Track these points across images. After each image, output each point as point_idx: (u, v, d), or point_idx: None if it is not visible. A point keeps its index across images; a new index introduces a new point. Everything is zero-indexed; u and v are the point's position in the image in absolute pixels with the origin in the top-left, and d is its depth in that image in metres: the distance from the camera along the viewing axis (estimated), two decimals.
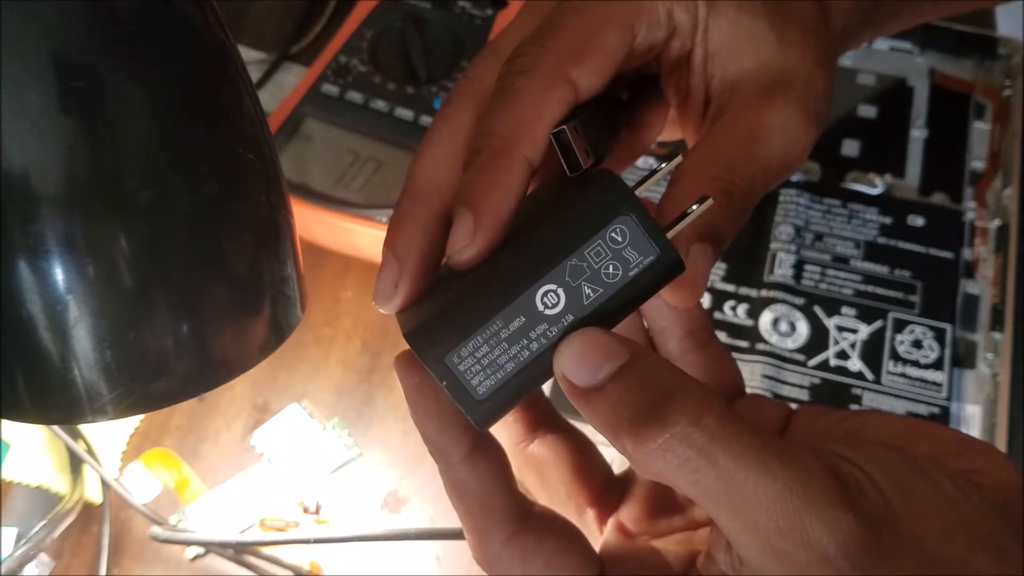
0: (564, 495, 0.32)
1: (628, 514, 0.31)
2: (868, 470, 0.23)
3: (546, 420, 0.32)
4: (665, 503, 0.31)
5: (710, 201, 0.26)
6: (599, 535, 0.31)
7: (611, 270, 0.25)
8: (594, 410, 0.24)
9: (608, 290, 0.25)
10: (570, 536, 0.28)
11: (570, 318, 0.25)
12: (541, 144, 0.27)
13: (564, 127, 0.27)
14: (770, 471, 0.22)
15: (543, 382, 0.26)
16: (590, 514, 0.32)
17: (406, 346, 0.26)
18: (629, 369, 0.24)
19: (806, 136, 0.31)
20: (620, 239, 0.25)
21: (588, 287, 0.25)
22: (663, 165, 0.28)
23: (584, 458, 0.32)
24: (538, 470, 0.32)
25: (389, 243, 0.29)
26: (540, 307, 0.25)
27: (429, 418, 0.26)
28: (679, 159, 0.28)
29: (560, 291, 0.25)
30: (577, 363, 0.24)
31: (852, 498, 0.22)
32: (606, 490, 0.32)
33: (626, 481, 0.32)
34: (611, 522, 0.31)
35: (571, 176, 0.27)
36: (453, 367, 0.25)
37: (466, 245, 0.26)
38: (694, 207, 0.26)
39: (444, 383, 0.25)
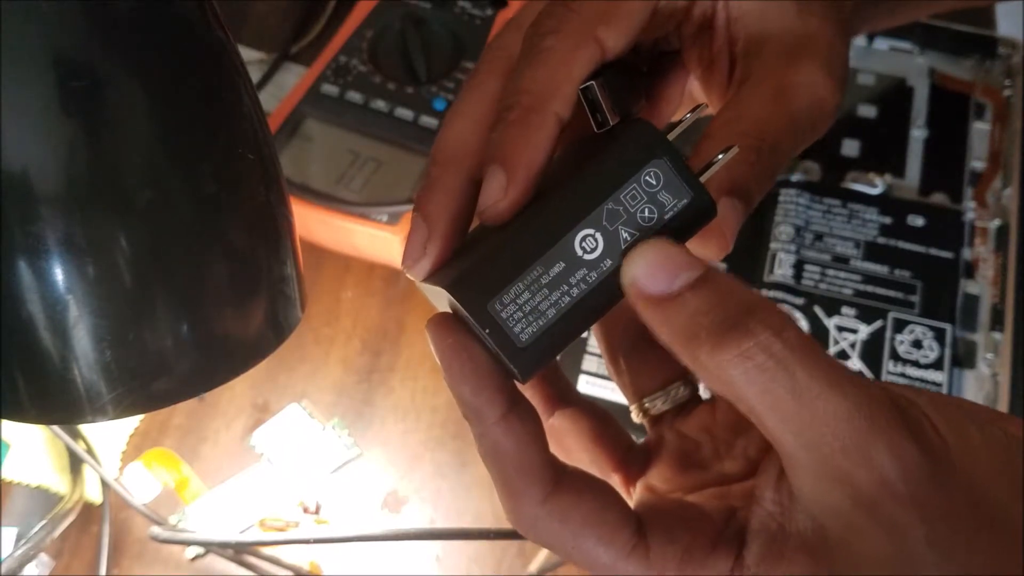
0: (587, 462, 0.32)
1: (657, 474, 0.31)
2: (925, 409, 0.23)
3: (563, 395, 0.33)
4: (694, 460, 0.31)
5: (735, 148, 0.27)
6: (629, 498, 0.31)
7: (647, 213, 0.25)
8: (667, 318, 0.24)
9: (644, 234, 0.25)
10: (605, 492, 0.28)
11: (608, 263, 0.25)
12: (571, 101, 0.28)
13: (592, 83, 0.28)
14: (841, 390, 0.22)
15: (584, 329, 0.26)
16: (615, 479, 0.32)
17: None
18: (708, 280, 0.24)
19: (832, 97, 0.31)
20: (655, 182, 0.25)
21: (625, 231, 0.25)
22: (688, 116, 0.28)
23: (604, 426, 0.32)
24: (559, 441, 0.32)
25: (418, 207, 0.29)
26: (579, 252, 0.25)
27: (464, 379, 0.26)
28: (703, 107, 0.28)
29: (598, 235, 0.25)
30: (652, 270, 0.24)
31: (913, 428, 0.22)
32: (628, 456, 0.32)
33: (648, 449, 0.33)
34: (640, 484, 0.31)
35: (598, 132, 0.27)
36: (496, 314, 0.25)
37: (498, 200, 0.26)
38: (720, 156, 0.27)
39: (487, 331, 0.25)
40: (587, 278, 0.25)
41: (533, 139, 0.27)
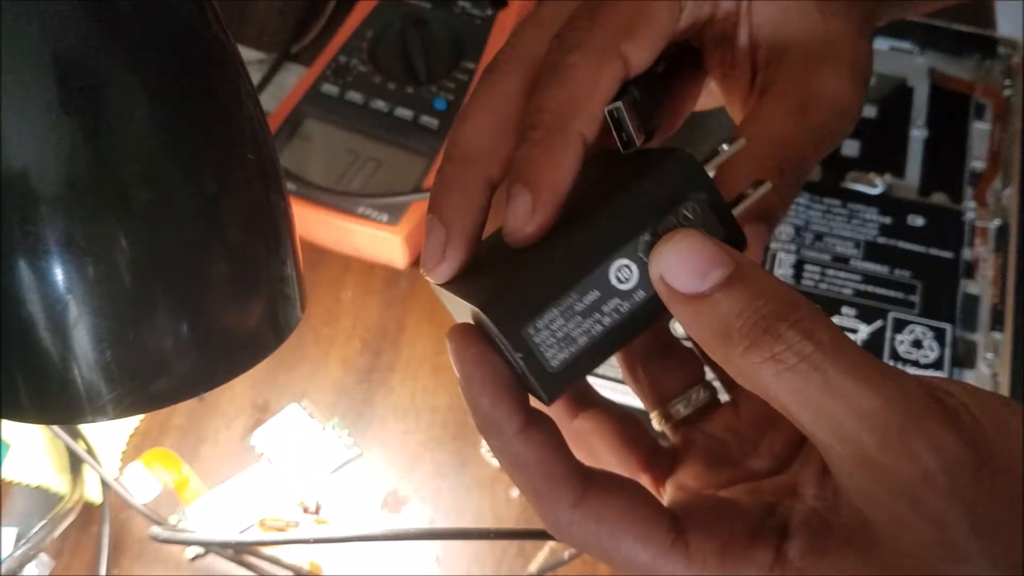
0: (615, 464, 0.32)
1: (687, 472, 0.31)
2: (961, 399, 0.23)
3: (585, 397, 0.32)
4: (722, 457, 0.31)
5: (768, 185, 0.27)
6: (660, 498, 0.31)
7: None
8: (698, 317, 0.24)
9: None
10: (637, 491, 0.27)
11: (642, 294, 0.25)
12: (596, 120, 0.28)
13: (619, 104, 0.27)
14: (875, 386, 0.22)
15: (611, 355, 0.26)
16: (644, 479, 0.32)
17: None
18: (739, 279, 0.24)
19: (856, 103, 0.31)
20: (691, 216, 0.25)
21: None
22: (725, 147, 0.28)
23: (628, 428, 0.32)
24: (584, 443, 0.32)
25: (435, 208, 0.29)
26: (614, 282, 0.25)
27: (484, 391, 0.26)
28: (742, 142, 0.28)
29: (633, 266, 0.25)
30: (682, 268, 0.24)
31: (952, 419, 0.22)
32: (654, 457, 0.32)
33: (674, 451, 0.32)
34: (670, 484, 0.31)
35: (627, 153, 0.27)
36: (529, 339, 0.25)
37: (525, 223, 0.26)
38: (750, 191, 0.27)
39: (520, 355, 0.25)
40: (619, 308, 0.25)
41: (558, 159, 0.27)
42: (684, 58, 0.35)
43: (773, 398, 0.23)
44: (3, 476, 0.53)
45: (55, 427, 0.53)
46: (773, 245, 0.59)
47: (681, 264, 0.24)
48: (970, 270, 0.58)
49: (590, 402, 0.32)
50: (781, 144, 0.30)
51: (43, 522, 0.51)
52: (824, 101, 0.31)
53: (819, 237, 0.59)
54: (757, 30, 0.32)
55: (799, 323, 0.23)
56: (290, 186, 0.58)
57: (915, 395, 0.22)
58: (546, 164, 0.27)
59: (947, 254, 0.58)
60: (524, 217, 0.26)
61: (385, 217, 0.58)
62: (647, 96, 0.29)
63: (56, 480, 0.54)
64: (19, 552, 0.49)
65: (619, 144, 0.28)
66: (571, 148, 0.27)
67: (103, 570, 0.51)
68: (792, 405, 0.23)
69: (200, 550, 0.52)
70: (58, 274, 0.29)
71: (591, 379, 0.33)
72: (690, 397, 0.33)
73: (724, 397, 0.34)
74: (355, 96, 0.63)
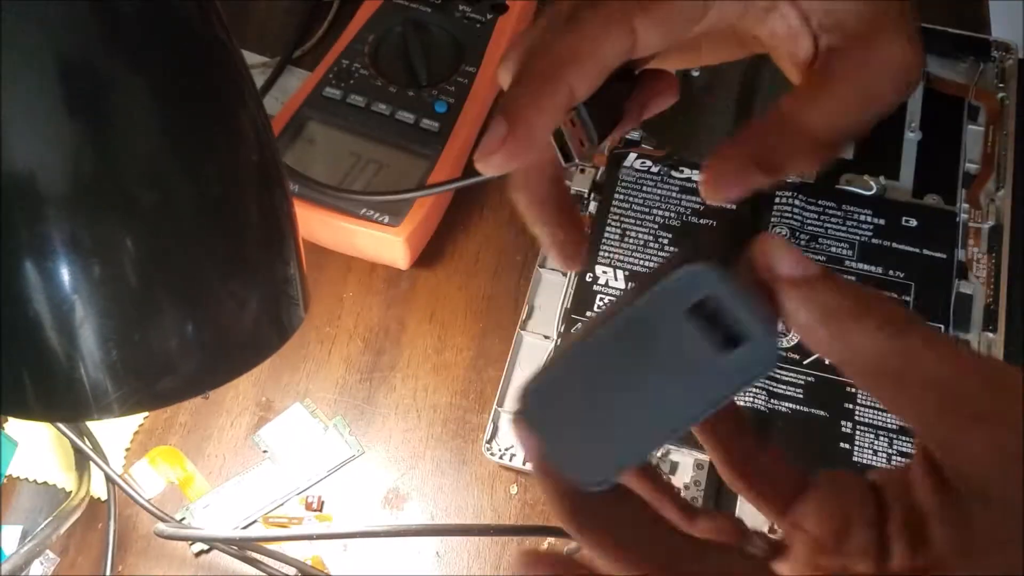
0: None
1: None
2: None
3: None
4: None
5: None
6: None
7: None
8: (810, 296, 0.25)
9: None
10: None
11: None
12: (589, 78, 0.28)
13: (560, 127, 0.29)
14: (954, 345, 0.24)
15: None
16: None
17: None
18: (829, 272, 0.26)
19: (917, 65, 0.31)
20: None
21: None
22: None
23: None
24: None
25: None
26: None
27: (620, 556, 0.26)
28: None
29: None
30: (792, 258, 0.26)
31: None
32: None
33: None
34: None
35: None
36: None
37: (494, 149, 0.28)
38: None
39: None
40: None
41: (541, 104, 0.28)
42: (658, 73, 0.34)
43: (882, 371, 0.25)
44: (10, 473, 0.53)
45: (61, 425, 0.53)
46: None
47: (791, 255, 0.26)
48: (963, 271, 0.58)
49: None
50: (839, 124, 0.31)
51: (49, 519, 0.51)
52: (886, 84, 0.31)
53: (814, 238, 0.60)
54: (804, 3, 0.32)
55: (890, 298, 0.25)
56: (293, 188, 0.59)
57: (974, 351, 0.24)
58: (528, 105, 0.28)
59: (941, 255, 0.59)
60: (495, 144, 0.28)
61: (387, 218, 0.58)
62: (603, 101, 0.30)
63: (62, 477, 0.54)
64: (25, 549, 0.50)
65: (559, 156, 0.29)
66: (556, 96, 0.28)
67: (108, 566, 0.52)
68: (900, 366, 0.24)
69: (204, 546, 0.53)
70: (64, 274, 0.29)
71: None
72: (754, 544, 0.31)
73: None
74: (357, 99, 0.64)
